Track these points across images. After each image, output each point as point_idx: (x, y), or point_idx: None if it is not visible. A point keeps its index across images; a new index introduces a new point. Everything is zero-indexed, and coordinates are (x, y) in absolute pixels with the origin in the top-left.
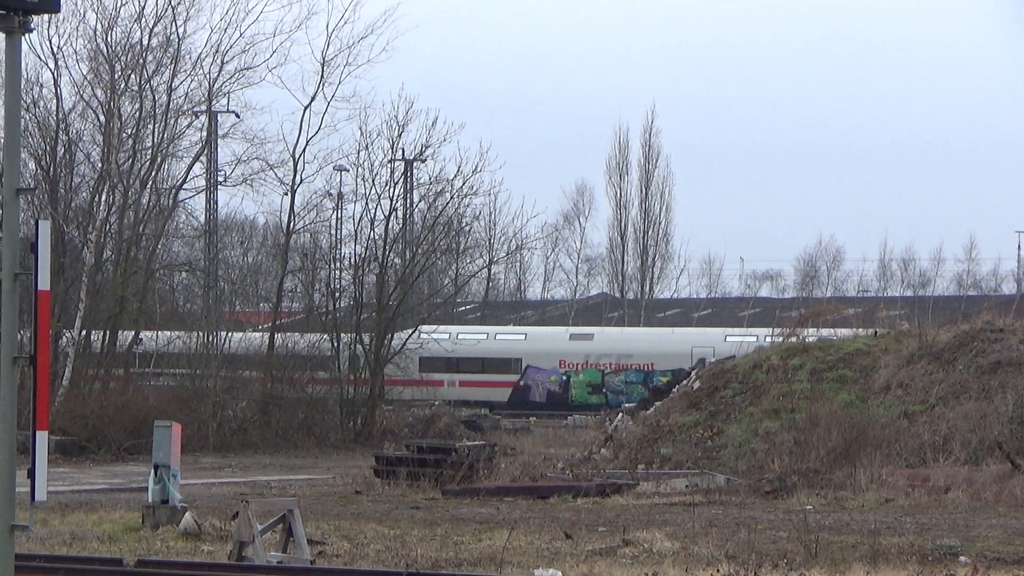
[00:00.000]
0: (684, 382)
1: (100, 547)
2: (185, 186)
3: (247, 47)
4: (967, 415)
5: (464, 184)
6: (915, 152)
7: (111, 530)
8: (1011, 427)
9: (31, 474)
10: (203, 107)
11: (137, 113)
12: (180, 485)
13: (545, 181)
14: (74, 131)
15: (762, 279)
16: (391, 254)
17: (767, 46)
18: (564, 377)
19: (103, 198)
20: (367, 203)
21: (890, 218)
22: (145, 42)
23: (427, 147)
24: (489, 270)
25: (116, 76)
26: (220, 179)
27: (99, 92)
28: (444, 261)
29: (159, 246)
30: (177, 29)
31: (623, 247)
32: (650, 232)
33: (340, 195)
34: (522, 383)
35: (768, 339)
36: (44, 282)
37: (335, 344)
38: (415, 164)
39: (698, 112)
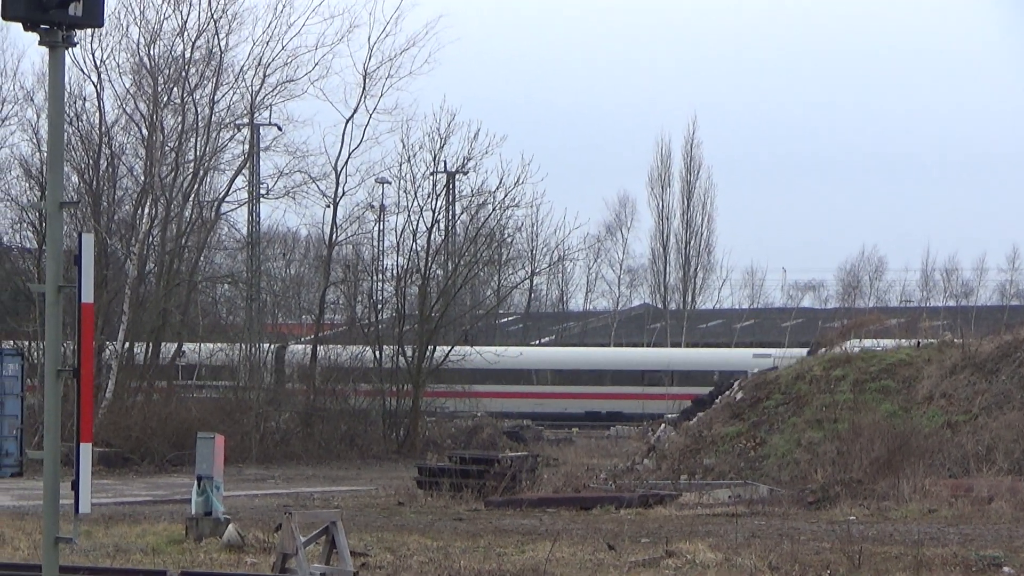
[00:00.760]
0: (727, 392)
1: (144, 559)
2: (227, 199)
3: (289, 60)
4: (1010, 425)
5: (506, 196)
6: (958, 162)
7: (154, 542)
8: None
9: (75, 486)
10: (245, 120)
11: (179, 126)
12: (223, 497)
13: (587, 192)
14: (117, 144)
15: (804, 289)
16: (433, 266)
17: (809, 57)
18: None
19: (146, 211)
20: (409, 215)
21: (933, 228)
22: (188, 55)
23: (469, 159)
24: (531, 281)
25: (159, 89)
26: (262, 192)
27: (142, 105)
28: (486, 272)
29: (201, 258)
30: (219, 42)
31: (665, 258)
32: (692, 243)
33: (382, 207)
34: None
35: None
36: (87, 295)
37: (378, 356)
38: (457, 176)
39: (740, 123)
